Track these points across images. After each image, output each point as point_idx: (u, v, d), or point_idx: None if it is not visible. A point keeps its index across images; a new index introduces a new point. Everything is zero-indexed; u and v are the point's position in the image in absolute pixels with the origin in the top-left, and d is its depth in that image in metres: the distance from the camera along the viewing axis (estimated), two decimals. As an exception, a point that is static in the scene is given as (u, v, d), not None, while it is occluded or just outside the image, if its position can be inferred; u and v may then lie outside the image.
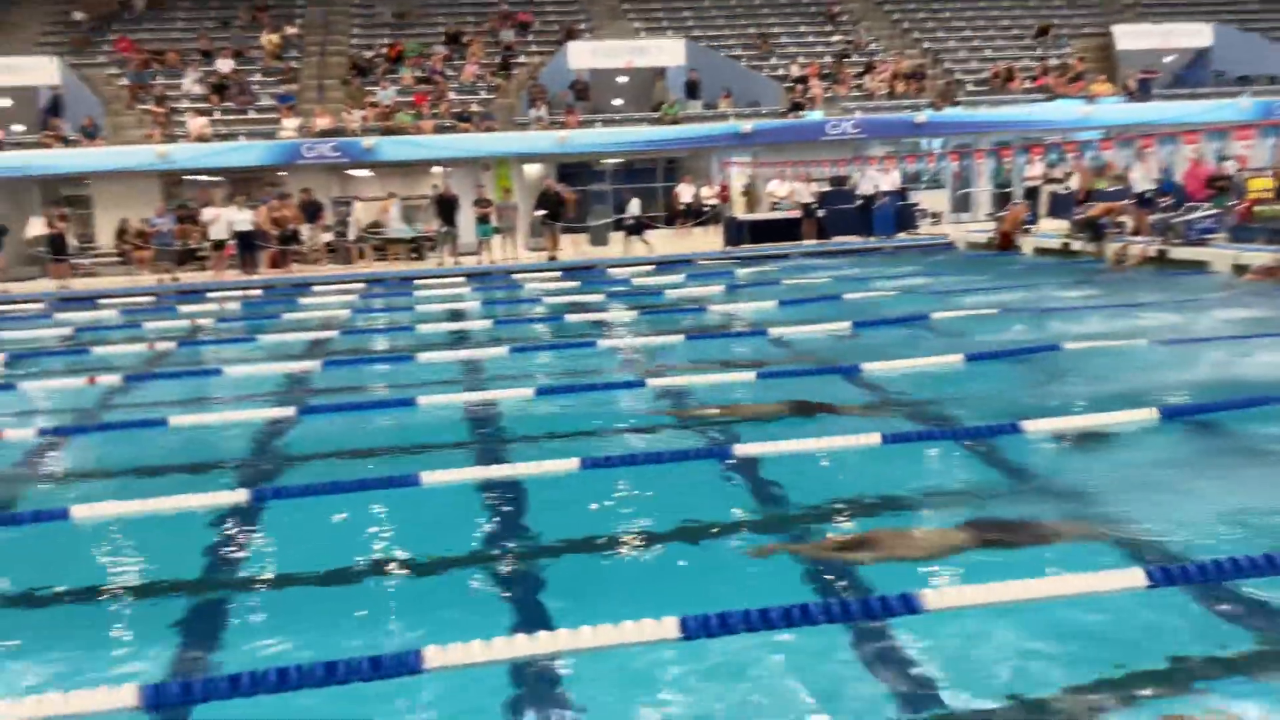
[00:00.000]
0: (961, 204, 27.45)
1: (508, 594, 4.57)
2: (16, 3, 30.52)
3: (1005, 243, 19.91)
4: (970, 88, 30.11)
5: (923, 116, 27.52)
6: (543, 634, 3.84)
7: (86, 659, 4.07)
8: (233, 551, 5.24)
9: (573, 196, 23.74)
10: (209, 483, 6.24)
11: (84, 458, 7.51)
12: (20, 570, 5.16)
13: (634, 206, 23.71)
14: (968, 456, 6.33)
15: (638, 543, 5.15)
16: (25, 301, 19.12)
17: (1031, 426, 6.58)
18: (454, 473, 6.14)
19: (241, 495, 5.89)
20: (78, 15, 29.87)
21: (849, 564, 4.61)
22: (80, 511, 5.61)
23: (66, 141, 24.85)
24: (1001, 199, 25.46)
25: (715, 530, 5.24)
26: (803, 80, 29.09)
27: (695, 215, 25.81)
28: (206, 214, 21.79)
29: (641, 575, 4.80)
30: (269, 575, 4.94)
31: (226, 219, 21.40)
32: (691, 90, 28.68)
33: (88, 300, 18.71)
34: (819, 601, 4.01)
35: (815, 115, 27.72)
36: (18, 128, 26.07)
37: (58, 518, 5.59)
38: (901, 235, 22.78)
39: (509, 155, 26.55)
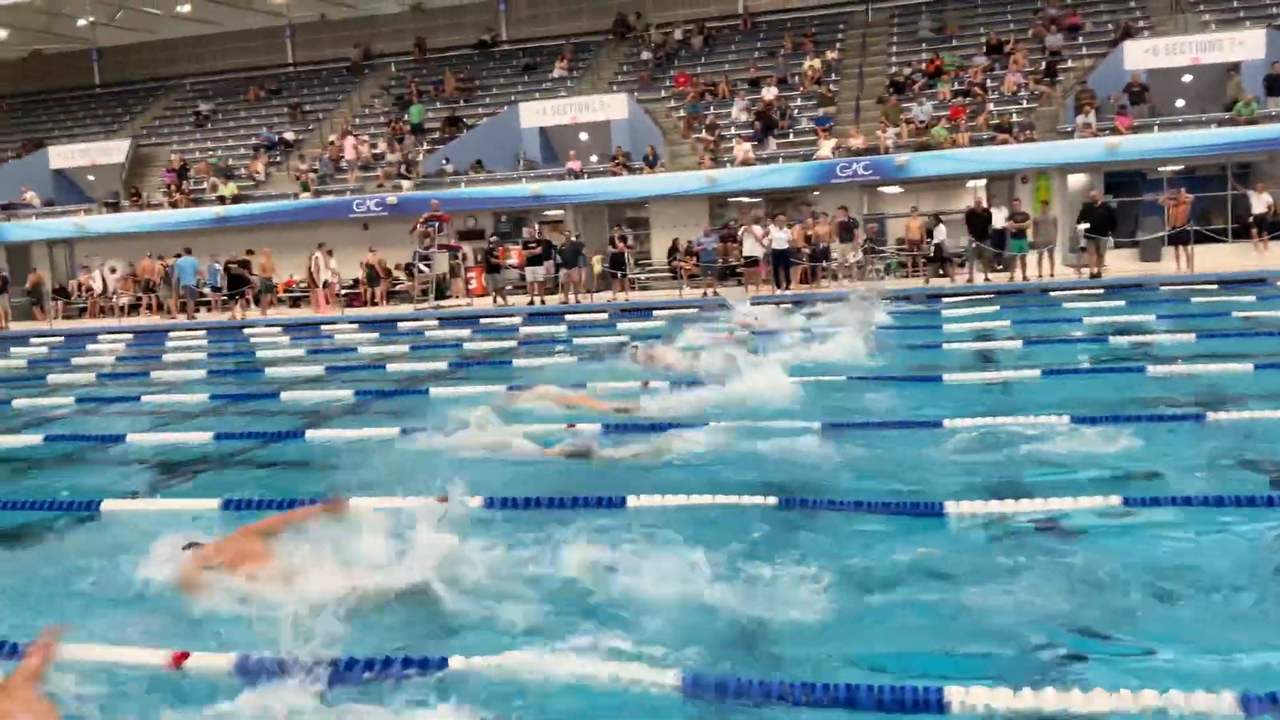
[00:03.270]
0: None
1: (1034, 638, 4.24)
2: (600, 49, 34.98)
3: None
4: None
5: None
6: (1076, 692, 3.53)
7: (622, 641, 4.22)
8: (753, 557, 5.21)
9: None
10: (739, 486, 6.56)
11: (627, 452, 8.04)
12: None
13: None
14: None
15: (1190, 599, 4.55)
16: (594, 312, 21.88)
17: None
18: (979, 504, 5.88)
19: (772, 500, 6.15)
20: (645, 55, 33.50)
21: None
22: (633, 501, 6.21)
23: (630, 169, 27.97)
24: None
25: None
26: None
27: (1271, 228, 22.51)
28: (744, 232, 23.37)
29: (1192, 638, 4.23)
30: (789, 588, 4.81)
31: (762, 237, 22.77)
32: (1272, 85, 25.07)
33: (644, 311, 20.84)
34: None
35: None
36: (593, 158, 29.83)
37: (616, 506, 6.22)
38: None
39: (1049, 165, 25.15)
